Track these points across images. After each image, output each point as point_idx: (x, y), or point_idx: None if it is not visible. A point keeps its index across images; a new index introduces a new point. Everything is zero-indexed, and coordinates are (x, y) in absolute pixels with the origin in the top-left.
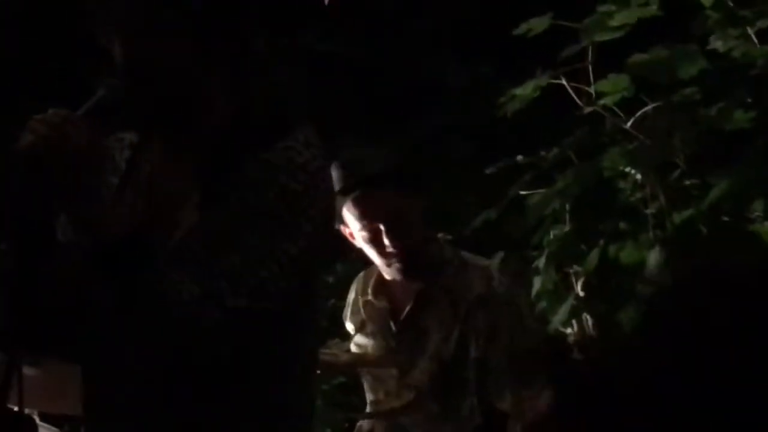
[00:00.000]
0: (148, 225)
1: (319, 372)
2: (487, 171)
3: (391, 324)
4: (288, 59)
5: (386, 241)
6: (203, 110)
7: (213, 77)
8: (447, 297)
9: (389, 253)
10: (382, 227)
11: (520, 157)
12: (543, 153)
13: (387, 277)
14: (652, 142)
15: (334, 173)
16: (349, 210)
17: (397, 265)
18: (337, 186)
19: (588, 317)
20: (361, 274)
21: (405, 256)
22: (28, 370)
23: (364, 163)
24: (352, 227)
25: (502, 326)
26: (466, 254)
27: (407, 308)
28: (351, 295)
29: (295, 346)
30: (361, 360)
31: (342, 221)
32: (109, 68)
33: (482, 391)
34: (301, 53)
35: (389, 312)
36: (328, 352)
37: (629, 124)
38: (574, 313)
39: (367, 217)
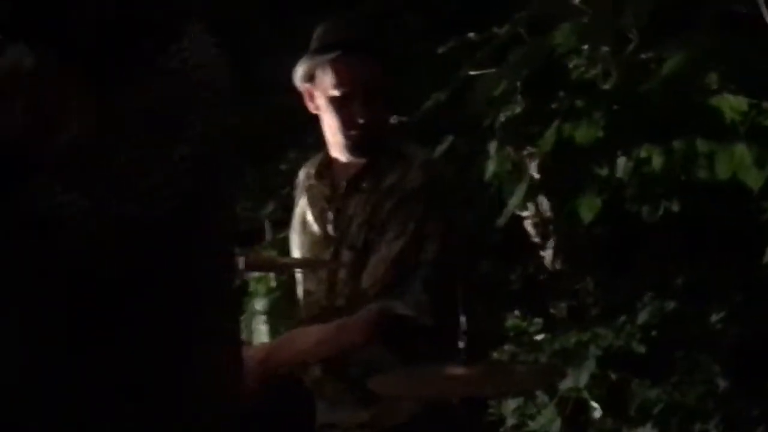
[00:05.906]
0: (28, 131)
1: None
2: (439, 50)
3: (329, 211)
4: None
5: (356, 109)
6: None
7: None
8: (376, 185)
9: (355, 123)
10: (356, 94)
11: (472, 35)
12: (495, 30)
13: (337, 154)
14: (602, 16)
15: (315, 34)
16: (324, 70)
17: (356, 137)
18: (314, 45)
19: (545, 199)
20: (313, 158)
21: (366, 131)
22: None
23: (344, 27)
24: (322, 89)
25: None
26: (410, 146)
27: (341, 194)
28: (299, 177)
29: (206, 258)
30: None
31: (308, 80)
32: None
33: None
34: None
35: (328, 197)
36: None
37: None
38: (531, 195)
39: (345, 80)
